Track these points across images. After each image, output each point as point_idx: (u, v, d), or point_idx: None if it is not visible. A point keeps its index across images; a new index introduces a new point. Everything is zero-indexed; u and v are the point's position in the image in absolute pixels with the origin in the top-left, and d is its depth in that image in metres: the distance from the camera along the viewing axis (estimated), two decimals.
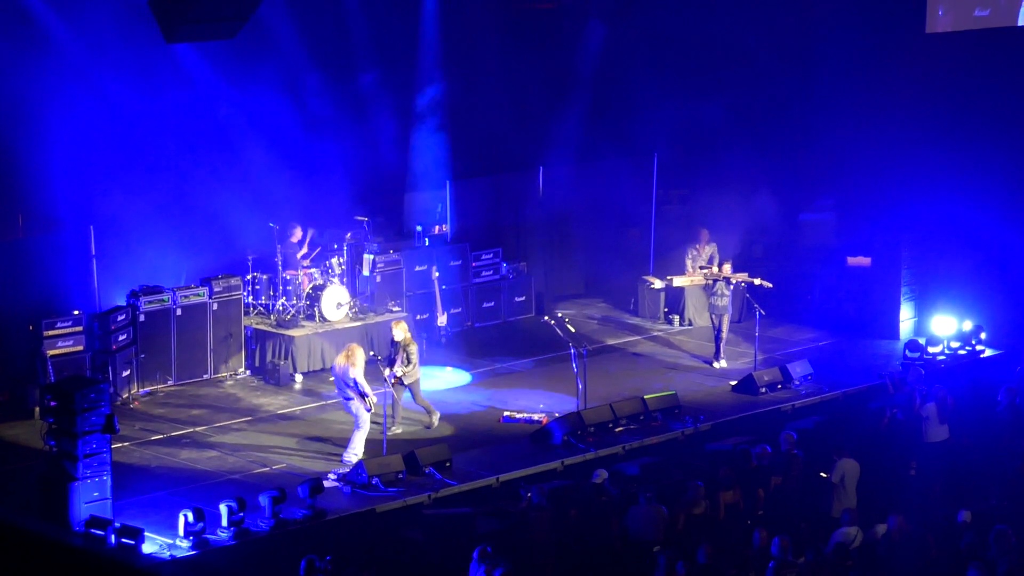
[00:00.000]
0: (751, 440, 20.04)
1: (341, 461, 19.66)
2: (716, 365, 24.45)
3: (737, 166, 27.37)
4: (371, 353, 21.29)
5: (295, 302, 24.34)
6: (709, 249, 26.35)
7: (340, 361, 19.85)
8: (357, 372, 19.65)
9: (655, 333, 26.53)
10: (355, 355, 19.84)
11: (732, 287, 24.49)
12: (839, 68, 26.94)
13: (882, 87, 26.57)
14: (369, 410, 19.64)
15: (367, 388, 19.68)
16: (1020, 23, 26.30)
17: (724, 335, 24.47)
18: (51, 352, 21.44)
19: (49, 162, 22.78)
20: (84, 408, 17.05)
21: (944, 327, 24.89)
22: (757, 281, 24.46)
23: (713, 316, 24.77)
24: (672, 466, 19.90)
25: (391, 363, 20.88)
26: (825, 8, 27.25)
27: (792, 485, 18.98)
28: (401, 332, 21.07)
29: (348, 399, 19.73)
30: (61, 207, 23.07)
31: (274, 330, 24.02)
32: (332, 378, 20.57)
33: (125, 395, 22.07)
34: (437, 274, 25.89)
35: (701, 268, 25.55)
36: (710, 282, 24.74)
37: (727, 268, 24.55)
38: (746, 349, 24.79)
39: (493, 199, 28.54)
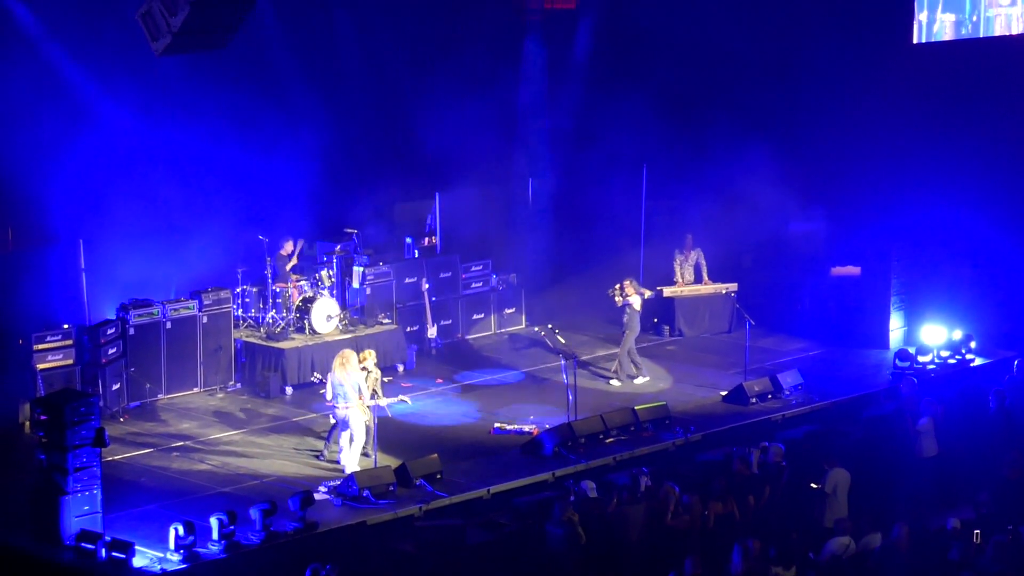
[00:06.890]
0: (743, 450, 20.02)
1: (337, 462, 19.76)
2: (614, 383, 24.04)
3: (726, 177, 27.40)
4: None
5: (285, 315, 24.32)
6: (695, 255, 26.56)
7: (336, 367, 19.81)
8: (357, 376, 19.68)
9: (645, 344, 26.52)
10: (349, 358, 19.81)
11: (638, 302, 24.12)
12: (827, 78, 26.97)
13: (871, 96, 26.59)
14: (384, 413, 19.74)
15: (366, 393, 19.74)
16: (998, 32, 26.34)
17: (623, 352, 24.12)
18: (41, 366, 21.41)
19: (39, 176, 22.76)
20: (74, 421, 17.05)
21: (934, 336, 24.91)
22: (648, 293, 24.31)
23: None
24: (663, 476, 19.88)
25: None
26: (813, 18, 27.25)
27: (778, 495, 18.97)
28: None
29: (344, 407, 19.68)
30: (51, 221, 23.06)
31: (264, 343, 24.00)
32: (322, 391, 20.51)
33: (115, 408, 22.03)
34: (427, 286, 25.90)
35: (609, 292, 24.87)
36: (620, 301, 24.36)
37: (627, 286, 24.18)
38: (736, 359, 24.80)
39: (483, 210, 28.55)
